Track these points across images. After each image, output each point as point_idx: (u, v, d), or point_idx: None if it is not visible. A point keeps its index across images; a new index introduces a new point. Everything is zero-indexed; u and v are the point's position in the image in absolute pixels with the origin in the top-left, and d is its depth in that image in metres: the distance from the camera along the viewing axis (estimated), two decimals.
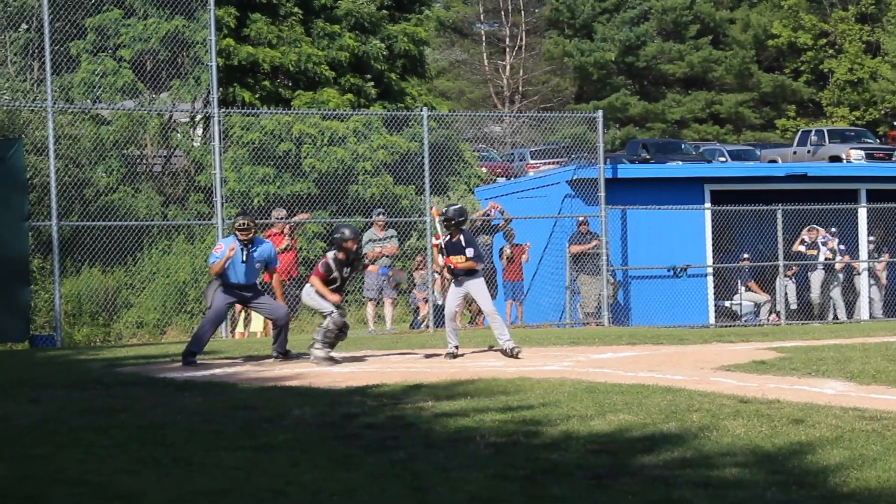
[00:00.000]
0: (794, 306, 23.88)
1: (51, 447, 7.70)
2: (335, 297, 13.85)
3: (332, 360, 13.62)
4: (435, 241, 14.80)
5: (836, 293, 23.97)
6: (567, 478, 6.82)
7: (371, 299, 20.52)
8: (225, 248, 13.88)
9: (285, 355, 14.06)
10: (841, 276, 24.00)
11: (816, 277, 23.90)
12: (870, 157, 33.52)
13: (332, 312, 13.72)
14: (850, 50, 51.09)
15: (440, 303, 20.45)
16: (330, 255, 13.98)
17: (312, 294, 13.92)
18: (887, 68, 49.42)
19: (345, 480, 6.73)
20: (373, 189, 24.98)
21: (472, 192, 27.23)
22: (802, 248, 23.70)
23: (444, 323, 14.75)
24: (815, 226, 23.64)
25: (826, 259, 23.83)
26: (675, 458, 7.39)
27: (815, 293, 23.91)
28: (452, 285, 14.56)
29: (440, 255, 14.64)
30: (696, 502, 6.28)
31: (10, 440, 8.03)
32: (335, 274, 13.85)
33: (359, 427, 8.56)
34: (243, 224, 13.93)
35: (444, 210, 14.80)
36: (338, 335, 13.86)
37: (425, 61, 32.64)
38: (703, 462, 7.25)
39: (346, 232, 13.91)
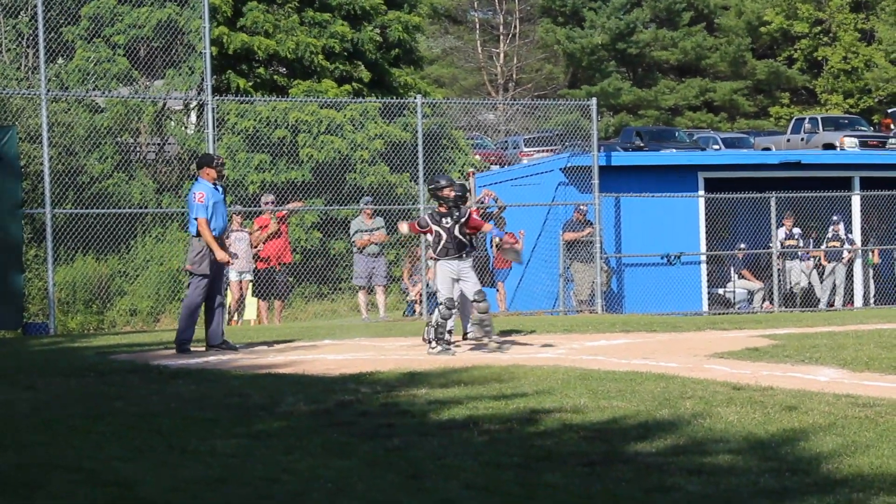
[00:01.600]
0: (796, 289, 23.95)
1: (47, 434, 7.72)
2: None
3: (450, 351, 13.10)
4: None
5: (839, 279, 24.05)
6: (561, 465, 6.85)
7: (361, 287, 20.48)
8: (209, 194, 13.16)
9: (224, 345, 13.50)
10: (842, 264, 24.07)
11: (793, 267, 24.00)
12: (863, 144, 33.55)
13: (441, 305, 13.21)
14: (845, 38, 51.05)
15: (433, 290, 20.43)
16: (428, 210, 13.68)
17: (439, 267, 13.36)
18: (881, 56, 49.42)
19: (339, 468, 6.75)
20: (370, 178, 24.95)
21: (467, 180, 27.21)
22: (779, 240, 23.70)
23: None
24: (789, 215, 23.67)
25: (830, 247, 23.94)
26: (669, 445, 7.41)
27: (798, 283, 24.00)
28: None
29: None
30: (689, 489, 6.30)
31: (8, 427, 8.04)
32: (434, 227, 13.30)
33: (353, 415, 8.57)
34: (223, 160, 13.61)
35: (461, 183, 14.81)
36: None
37: (418, 49, 32.59)
38: (696, 449, 7.28)
39: (442, 181, 13.59)
